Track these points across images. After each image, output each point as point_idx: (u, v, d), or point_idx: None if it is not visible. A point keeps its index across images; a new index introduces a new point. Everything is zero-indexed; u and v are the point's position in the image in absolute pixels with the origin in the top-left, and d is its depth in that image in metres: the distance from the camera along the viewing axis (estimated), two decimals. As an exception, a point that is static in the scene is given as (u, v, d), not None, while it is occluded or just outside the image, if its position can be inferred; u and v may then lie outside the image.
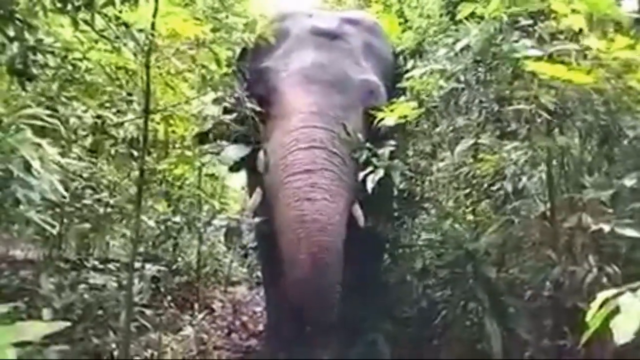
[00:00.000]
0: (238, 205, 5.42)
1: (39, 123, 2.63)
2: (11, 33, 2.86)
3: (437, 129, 3.07)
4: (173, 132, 3.44)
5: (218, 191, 4.88)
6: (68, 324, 1.86)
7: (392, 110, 2.72)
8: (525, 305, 2.89)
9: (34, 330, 2.03)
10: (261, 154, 3.00)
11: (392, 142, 2.82)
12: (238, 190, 5.56)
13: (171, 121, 3.32)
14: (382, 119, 2.75)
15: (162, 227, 4.78)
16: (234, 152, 3.07)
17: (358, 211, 2.94)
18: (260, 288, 5.39)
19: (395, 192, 3.44)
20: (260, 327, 4.68)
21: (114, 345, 3.40)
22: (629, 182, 2.48)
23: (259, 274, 5.35)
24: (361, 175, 2.73)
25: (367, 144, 2.86)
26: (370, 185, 2.65)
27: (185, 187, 4.81)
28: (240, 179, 5.37)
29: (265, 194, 2.99)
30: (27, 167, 1.97)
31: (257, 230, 3.55)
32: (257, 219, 3.23)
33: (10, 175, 2.15)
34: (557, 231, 2.85)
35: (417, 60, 3.34)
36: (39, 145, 2.06)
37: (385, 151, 2.77)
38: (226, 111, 3.21)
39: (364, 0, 5.23)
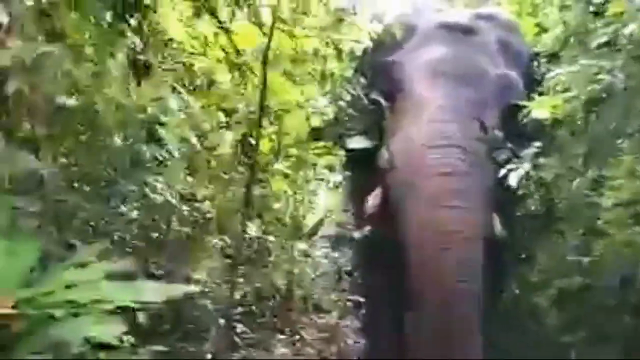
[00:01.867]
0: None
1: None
2: (133, 22, 2.84)
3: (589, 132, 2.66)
4: (286, 134, 3.29)
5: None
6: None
7: (541, 103, 2.36)
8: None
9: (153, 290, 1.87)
10: (384, 149, 2.72)
11: (537, 144, 2.43)
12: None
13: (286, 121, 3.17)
14: (529, 113, 2.40)
15: (256, 245, 4.67)
16: (358, 142, 2.82)
17: (496, 221, 2.57)
18: (350, 318, 5.03)
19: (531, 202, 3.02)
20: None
21: (209, 357, 3.18)
22: None
23: (351, 299, 5.01)
24: (502, 171, 2.36)
25: (506, 142, 2.49)
26: (514, 181, 2.27)
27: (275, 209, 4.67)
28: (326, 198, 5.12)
29: (387, 196, 2.68)
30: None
31: (366, 245, 3.23)
32: (367, 227, 2.95)
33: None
34: None
35: (556, 64, 2.98)
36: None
37: (529, 151, 2.39)
38: (342, 109, 3.04)
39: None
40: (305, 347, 4.36)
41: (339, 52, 2.84)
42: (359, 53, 3.18)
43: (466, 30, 2.94)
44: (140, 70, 2.92)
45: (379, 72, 2.98)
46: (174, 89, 3.31)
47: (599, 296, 2.55)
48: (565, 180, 2.59)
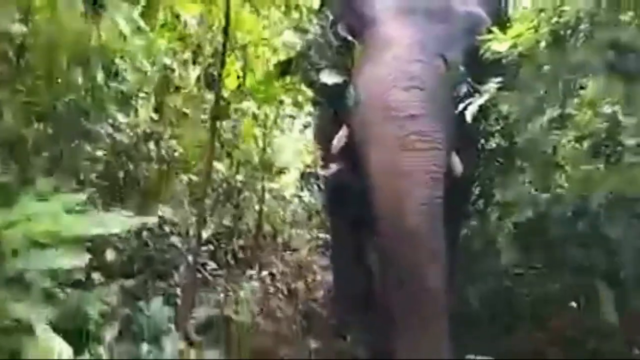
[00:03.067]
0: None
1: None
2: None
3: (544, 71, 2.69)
4: (251, 70, 3.23)
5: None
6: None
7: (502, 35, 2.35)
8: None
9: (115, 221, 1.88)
10: (351, 87, 2.70)
11: (499, 79, 2.44)
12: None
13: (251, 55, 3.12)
14: (489, 47, 2.39)
15: (225, 185, 4.69)
16: (328, 77, 2.78)
17: (456, 158, 2.63)
18: (320, 255, 5.16)
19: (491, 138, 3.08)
20: (320, 294, 4.45)
21: (178, 290, 3.24)
22: None
23: (321, 237, 5.13)
24: (460, 106, 2.38)
25: (468, 79, 2.50)
26: (469, 117, 2.30)
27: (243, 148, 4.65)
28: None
29: (353, 134, 2.70)
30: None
31: (332, 183, 3.27)
32: (334, 165, 2.98)
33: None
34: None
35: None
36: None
37: (489, 86, 2.40)
38: (309, 43, 2.97)
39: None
40: (275, 282, 4.47)
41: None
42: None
43: None
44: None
45: (346, 6, 2.91)
46: (137, 27, 3.21)
47: (552, 228, 2.65)
48: (524, 116, 2.64)
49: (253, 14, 2.93)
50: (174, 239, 3.56)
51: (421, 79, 2.52)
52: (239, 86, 3.44)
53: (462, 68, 2.56)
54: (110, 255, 3.13)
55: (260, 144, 4.44)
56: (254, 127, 4.35)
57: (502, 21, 2.92)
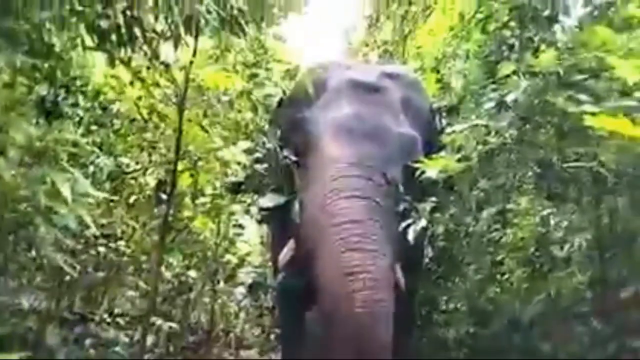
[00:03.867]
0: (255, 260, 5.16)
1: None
2: (44, 69, 2.82)
3: (477, 188, 2.91)
4: (205, 181, 3.34)
5: (236, 246, 4.65)
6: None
7: (433, 163, 2.55)
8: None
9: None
10: (297, 204, 2.85)
11: (433, 198, 2.63)
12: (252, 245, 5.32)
13: (201, 168, 3.23)
14: (423, 172, 2.59)
15: (177, 281, 4.64)
16: (270, 200, 2.94)
17: (399, 272, 2.73)
18: (273, 354, 5.07)
19: (432, 253, 3.23)
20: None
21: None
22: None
23: (273, 337, 5.05)
24: (402, 225, 2.53)
25: (407, 197, 2.68)
26: (411, 236, 2.44)
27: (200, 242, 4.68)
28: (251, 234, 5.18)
29: (299, 246, 2.80)
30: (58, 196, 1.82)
31: (282, 287, 3.32)
32: (282, 274, 3.05)
33: (34, 210, 2.02)
34: (610, 302, 2.64)
35: (455, 118, 3.24)
36: (72, 174, 1.92)
37: (426, 205, 2.58)
38: (258, 161, 3.14)
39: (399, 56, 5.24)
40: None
41: (254, 105, 2.93)
42: (273, 106, 3.29)
43: (373, 89, 3.13)
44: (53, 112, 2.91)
45: (291, 128, 3.11)
46: (88, 130, 3.31)
47: (490, 340, 2.75)
48: (459, 234, 2.81)
49: (203, 130, 3.07)
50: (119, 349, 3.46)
51: (363, 190, 2.68)
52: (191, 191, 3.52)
53: (400, 186, 2.74)
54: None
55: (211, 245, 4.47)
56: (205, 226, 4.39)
57: (435, 134, 3.18)
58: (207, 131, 3.01)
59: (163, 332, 4.14)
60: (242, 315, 5.09)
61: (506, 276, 3.04)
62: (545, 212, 3.00)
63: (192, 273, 4.70)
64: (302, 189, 2.89)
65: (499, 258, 3.13)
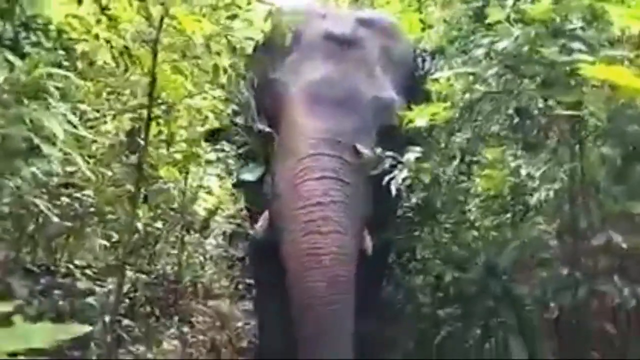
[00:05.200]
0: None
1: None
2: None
3: (458, 137, 2.91)
4: (178, 129, 3.18)
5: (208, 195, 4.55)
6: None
7: (421, 111, 2.53)
8: (550, 325, 2.73)
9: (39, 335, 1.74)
10: (269, 178, 2.88)
11: (417, 149, 2.62)
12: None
13: (171, 116, 3.07)
14: (409, 122, 2.57)
15: (143, 232, 4.52)
16: (250, 173, 2.92)
17: (367, 240, 2.83)
18: (242, 302, 5.09)
19: (411, 202, 3.26)
20: (244, 344, 4.38)
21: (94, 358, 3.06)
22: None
23: (242, 287, 5.07)
24: (385, 179, 2.55)
25: (387, 153, 2.67)
26: (394, 188, 2.48)
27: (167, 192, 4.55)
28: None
29: (271, 217, 2.87)
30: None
31: (258, 239, 3.29)
32: (256, 230, 3.00)
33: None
34: (581, 249, 2.75)
35: (439, 62, 3.20)
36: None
37: (410, 156, 2.57)
38: (235, 113, 3.06)
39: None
40: (196, 334, 4.35)
41: (233, 47, 2.78)
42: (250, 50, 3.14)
43: (348, 43, 3.05)
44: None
45: (264, 87, 3.05)
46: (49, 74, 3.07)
47: (466, 285, 2.83)
48: (438, 183, 2.84)
49: (178, 74, 2.90)
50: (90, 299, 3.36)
51: (332, 171, 2.72)
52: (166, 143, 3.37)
53: (377, 150, 2.71)
54: (19, 322, 2.90)
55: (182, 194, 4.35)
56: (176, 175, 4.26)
57: (418, 80, 3.15)
58: (185, 76, 2.84)
59: (134, 283, 4.07)
60: (211, 266, 5.04)
61: (478, 224, 3.11)
62: (519, 162, 3.07)
63: (159, 224, 4.60)
64: (275, 161, 2.90)
65: (470, 206, 3.20)
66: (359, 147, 2.76)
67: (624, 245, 2.45)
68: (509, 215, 3.09)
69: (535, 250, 2.84)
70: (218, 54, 2.78)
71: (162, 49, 2.75)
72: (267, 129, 2.99)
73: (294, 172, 2.74)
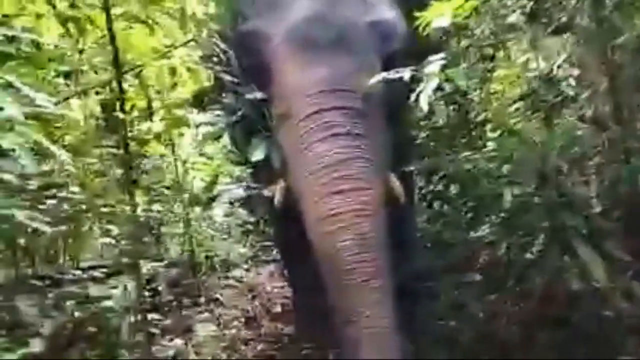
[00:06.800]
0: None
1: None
2: None
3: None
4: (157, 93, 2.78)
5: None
6: None
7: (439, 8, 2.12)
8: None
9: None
10: (275, 150, 2.53)
11: (441, 55, 2.22)
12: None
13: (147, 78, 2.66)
14: (428, 26, 2.16)
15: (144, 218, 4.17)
16: (257, 151, 2.55)
17: (397, 187, 2.52)
18: (264, 268, 4.85)
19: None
20: (279, 309, 4.15)
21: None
22: None
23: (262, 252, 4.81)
24: (413, 97, 2.16)
25: (408, 70, 2.25)
26: (425, 104, 2.10)
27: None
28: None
29: (287, 187, 2.56)
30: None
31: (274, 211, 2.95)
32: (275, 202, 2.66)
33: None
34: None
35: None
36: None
37: (434, 65, 2.17)
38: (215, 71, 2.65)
39: None
40: (227, 310, 4.11)
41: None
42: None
43: None
44: None
45: (242, 44, 2.62)
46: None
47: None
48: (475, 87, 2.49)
49: (141, 25, 2.46)
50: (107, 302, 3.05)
51: (341, 126, 2.35)
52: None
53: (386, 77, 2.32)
54: (38, 345, 2.61)
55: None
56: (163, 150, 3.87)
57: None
58: (150, 28, 2.40)
59: (148, 274, 3.76)
60: (225, 236, 4.74)
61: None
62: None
63: (157, 207, 4.26)
64: (276, 128, 2.55)
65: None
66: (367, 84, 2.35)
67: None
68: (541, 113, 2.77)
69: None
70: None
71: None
72: (258, 96, 2.57)
73: (298, 137, 2.40)
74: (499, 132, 2.76)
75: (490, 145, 2.75)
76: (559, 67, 2.69)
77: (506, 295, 2.62)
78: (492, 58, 2.52)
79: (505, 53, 2.61)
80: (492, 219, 2.81)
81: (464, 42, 2.52)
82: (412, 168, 2.83)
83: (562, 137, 2.58)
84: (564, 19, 2.56)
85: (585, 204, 2.44)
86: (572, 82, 2.72)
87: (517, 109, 2.74)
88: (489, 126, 2.92)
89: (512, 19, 2.62)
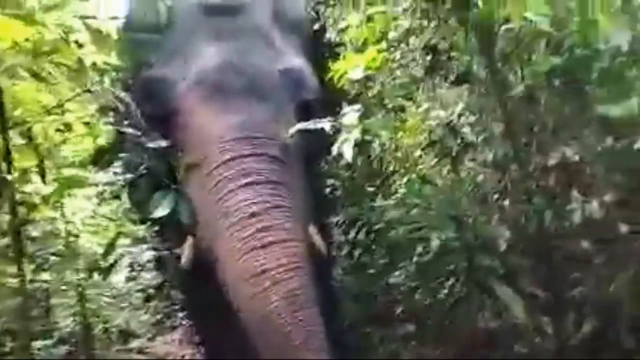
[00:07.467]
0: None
1: None
2: None
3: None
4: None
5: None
6: None
7: (351, 61, 2.14)
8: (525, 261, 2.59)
9: None
10: (183, 203, 2.33)
11: (355, 107, 2.21)
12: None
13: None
14: (341, 77, 2.17)
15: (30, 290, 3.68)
16: (161, 207, 2.31)
17: (318, 239, 2.42)
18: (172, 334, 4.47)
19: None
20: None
21: None
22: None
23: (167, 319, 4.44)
24: (335, 148, 2.12)
25: (327, 121, 2.22)
26: (349, 154, 2.07)
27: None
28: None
29: (198, 244, 2.35)
30: None
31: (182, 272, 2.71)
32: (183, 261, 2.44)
33: None
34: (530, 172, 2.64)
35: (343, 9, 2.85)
36: None
37: (351, 116, 2.16)
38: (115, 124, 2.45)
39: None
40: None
41: (97, 30, 2.15)
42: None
43: (232, 11, 2.52)
44: None
45: (142, 89, 2.46)
46: None
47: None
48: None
49: (33, 79, 2.21)
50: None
51: (258, 173, 2.23)
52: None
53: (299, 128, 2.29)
54: None
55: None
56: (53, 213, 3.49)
57: (322, 38, 2.80)
58: (42, 79, 2.16)
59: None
60: (124, 304, 4.32)
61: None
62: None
63: (46, 276, 3.79)
64: (185, 179, 2.36)
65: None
66: (282, 131, 2.28)
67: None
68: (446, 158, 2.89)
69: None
70: (80, 45, 2.14)
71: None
72: (162, 144, 2.38)
73: (211, 187, 2.24)
74: (406, 178, 2.82)
75: (400, 192, 2.80)
76: (459, 115, 2.85)
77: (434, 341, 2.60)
78: (403, 109, 2.59)
79: (415, 104, 2.69)
80: (407, 264, 2.82)
81: (373, 93, 2.56)
82: (331, 220, 2.79)
83: (467, 181, 2.70)
84: (461, 70, 2.70)
85: (495, 244, 2.52)
86: (469, 129, 2.89)
87: (420, 156, 2.82)
88: (398, 174, 2.98)
89: (413, 71, 2.73)
